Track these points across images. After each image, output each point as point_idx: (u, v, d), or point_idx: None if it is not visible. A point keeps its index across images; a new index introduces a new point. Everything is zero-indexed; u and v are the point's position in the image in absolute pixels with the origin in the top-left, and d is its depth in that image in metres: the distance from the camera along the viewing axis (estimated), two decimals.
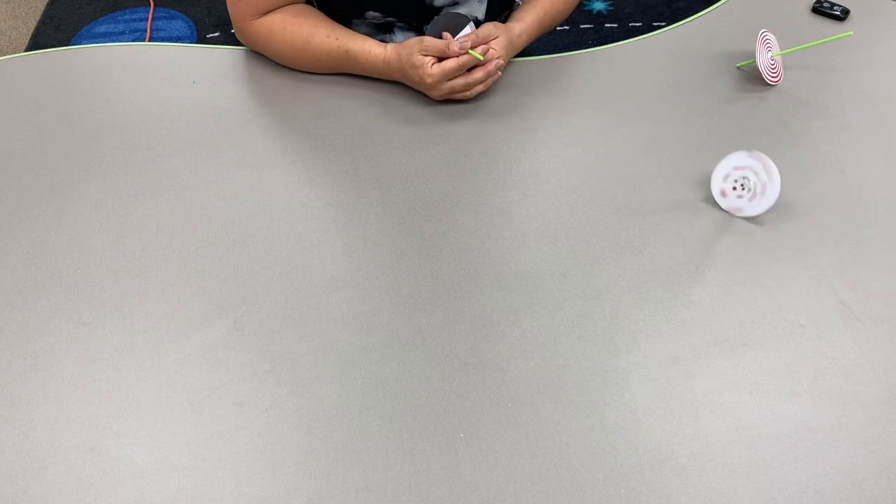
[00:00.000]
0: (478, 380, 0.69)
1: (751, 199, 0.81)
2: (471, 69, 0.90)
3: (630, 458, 0.64)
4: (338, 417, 0.66)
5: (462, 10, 0.99)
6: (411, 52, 0.89)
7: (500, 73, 0.92)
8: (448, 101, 0.95)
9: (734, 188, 0.82)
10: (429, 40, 0.88)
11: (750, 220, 0.82)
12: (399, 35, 1.02)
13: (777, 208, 0.84)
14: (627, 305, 0.75)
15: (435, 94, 0.92)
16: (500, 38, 0.92)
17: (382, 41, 0.98)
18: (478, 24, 1.01)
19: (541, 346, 0.71)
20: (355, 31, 0.99)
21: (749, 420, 0.66)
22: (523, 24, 0.97)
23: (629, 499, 0.61)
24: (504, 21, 1.08)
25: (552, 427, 0.66)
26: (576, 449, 0.64)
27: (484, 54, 0.88)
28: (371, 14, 0.97)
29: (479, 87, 0.92)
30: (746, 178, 0.81)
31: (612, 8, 2.25)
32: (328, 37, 0.93)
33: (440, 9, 0.98)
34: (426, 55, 0.88)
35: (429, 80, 0.88)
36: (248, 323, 0.72)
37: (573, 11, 1.07)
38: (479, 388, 0.68)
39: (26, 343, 0.71)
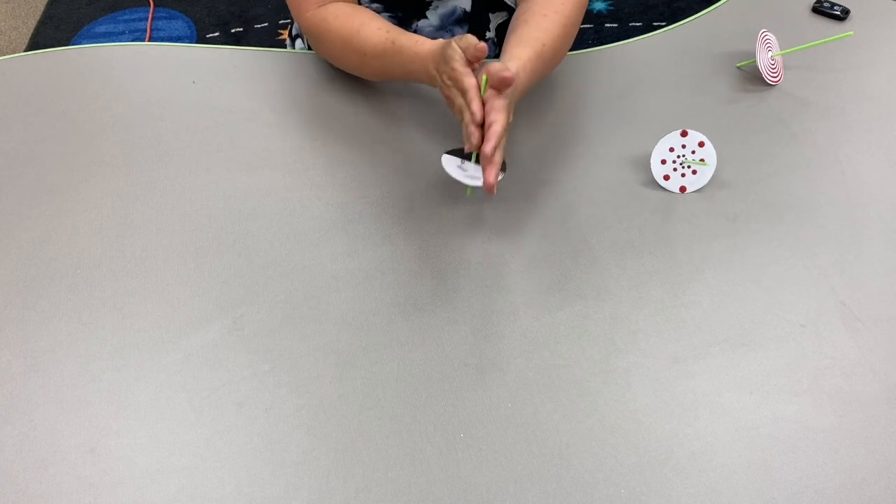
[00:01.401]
0: (478, 380, 0.69)
1: (693, 173, 0.85)
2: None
3: (630, 458, 0.64)
4: (338, 417, 0.66)
5: (450, 1, 0.99)
6: (452, 48, 0.77)
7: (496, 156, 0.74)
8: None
9: (675, 169, 0.85)
10: (470, 39, 0.76)
11: (749, 219, 0.82)
12: None
13: (777, 208, 0.84)
14: (627, 305, 0.75)
15: (444, 92, 0.80)
16: (500, 103, 0.76)
17: None
18: (466, 15, 1.01)
19: (541, 346, 0.71)
20: None
21: (749, 420, 0.66)
22: (519, 61, 0.80)
23: (629, 499, 0.61)
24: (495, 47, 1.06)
25: (552, 427, 0.66)
26: (576, 449, 0.64)
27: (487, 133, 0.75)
28: (373, 6, 0.98)
29: (474, 135, 0.75)
30: (683, 156, 0.85)
31: (612, 8, 2.25)
32: (379, 28, 0.86)
33: (428, 3, 0.98)
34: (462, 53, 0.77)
35: (452, 73, 0.76)
36: (248, 323, 0.72)
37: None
38: (479, 388, 0.68)
39: (26, 343, 0.71)
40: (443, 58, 0.77)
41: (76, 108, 0.93)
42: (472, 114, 0.74)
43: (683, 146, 0.85)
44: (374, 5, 0.99)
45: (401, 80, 0.90)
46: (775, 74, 0.98)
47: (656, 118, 0.94)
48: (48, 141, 0.89)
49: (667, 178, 0.85)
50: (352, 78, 0.98)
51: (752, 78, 1.00)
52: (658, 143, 0.85)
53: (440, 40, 0.81)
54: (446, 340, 0.71)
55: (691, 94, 0.97)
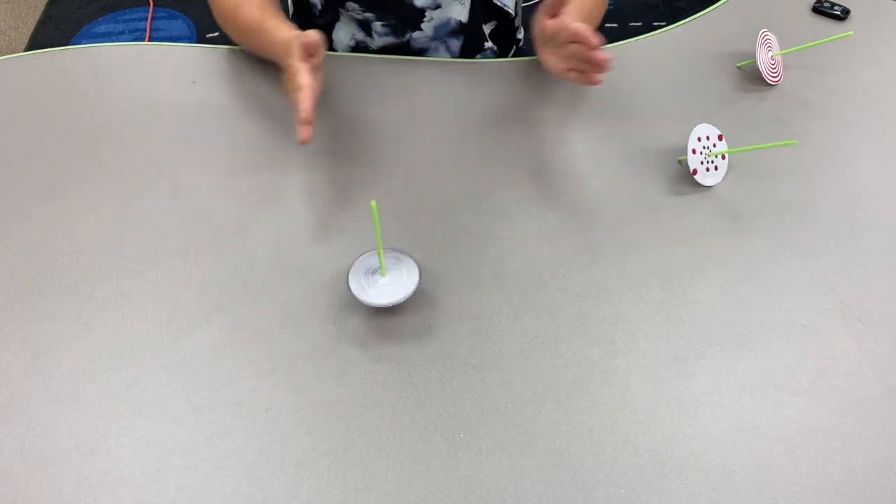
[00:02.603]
0: (478, 380, 0.69)
1: (715, 169, 0.86)
2: None
3: (630, 458, 0.64)
4: (338, 417, 0.66)
5: (444, 12, 0.99)
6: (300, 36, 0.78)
7: None
8: (449, 101, 0.94)
9: (701, 162, 0.85)
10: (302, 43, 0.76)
11: (749, 219, 0.82)
12: (378, 39, 1.02)
13: (777, 208, 0.84)
14: (627, 305, 0.75)
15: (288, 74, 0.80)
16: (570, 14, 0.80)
17: (363, 42, 1.00)
18: (462, 26, 1.01)
19: (541, 346, 0.71)
20: (341, 21, 1.00)
21: (749, 420, 0.66)
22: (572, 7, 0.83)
23: (629, 499, 0.61)
24: (503, 28, 1.07)
25: (552, 427, 0.66)
26: (576, 449, 0.64)
27: None
28: (350, 5, 0.97)
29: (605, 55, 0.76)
30: (709, 149, 0.86)
31: (612, 8, 2.25)
32: (258, 7, 0.89)
33: (422, 10, 0.98)
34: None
35: (290, 74, 0.78)
36: (248, 323, 0.72)
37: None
38: (479, 388, 0.68)
39: (26, 343, 0.71)
40: (285, 51, 0.80)
41: (76, 108, 0.93)
42: (301, 112, 0.73)
43: (707, 137, 0.85)
44: (368, 14, 0.99)
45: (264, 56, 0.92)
46: (775, 74, 0.98)
47: (656, 118, 0.94)
48: (48, 141, 0.89)
49: (695, 172, 0.85)
50: (352, 78, 0.98)
51: (752, 78, 1.00)
52: (696, 128, 0.85)
53: (295, 32, 0.80)
54: (446, 340, 0.71)
55: (691, 94, 0.97)
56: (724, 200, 0.85)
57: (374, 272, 0.74)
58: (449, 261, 0.78)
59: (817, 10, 1.10)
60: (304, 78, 0.75)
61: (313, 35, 0.75)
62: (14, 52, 1.50)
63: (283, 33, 0.84)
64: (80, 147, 0.89)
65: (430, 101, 0.95)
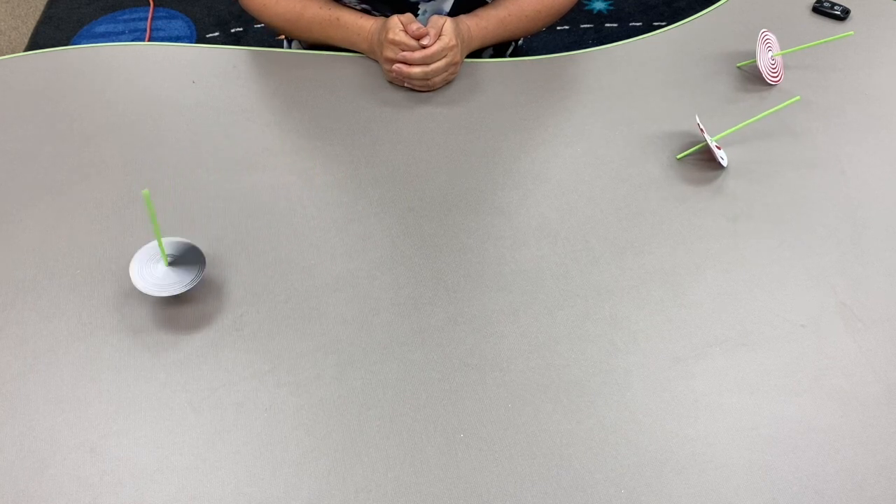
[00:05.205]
0: (478, 380, 0.69)
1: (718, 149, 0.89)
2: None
3: (630, 458, 0.64)
4: (338, 417, 0.66)
5: (437, 5, 0.99)
6: (392, 19, 0.94)
7: (451, 68, 0.95)
8: (448, 101, 0.94)
9: (717, 147, 0.87)
10: (409, 18, 0.95)
11: (749, 219, 0.82)
12: None
13: (777, 208, 0.84)
14: (627, 305, 0.75)
15: (385, 54, 0.95)
16: (448, 23, 0.94)
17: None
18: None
19: (541, 346, 0.71)
20: None
21: (749, 420, 0.66)
22: (478, 18, 0.99)
23: (629, 499, 0.61)
24: None
25: (552, 427, 0.66)
26: (576, 449, 0.64)
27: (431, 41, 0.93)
28: (361, 6, 0.98)
29: (416, 70, 0.93)
30: (703, 133, 0.88)
31: (612, 8, 2.25)
32: (321, 8, 0.99)
33: (415, 4, 0.98)
34: (401, 22, 0.94)
35: (389, 35, 0.93)
36: (248, 323, 0.72)
37: (572, 11, 1.06)
38: (479, 388, 0.68)
39: (26, 343, 0.71)
40: (384, 27, 0.94)
41: (76, 108, 0.93)
42: (409, 35, 0.92)
43: (698, 125, 0.87)
44: (364, 5, 0.99)
45: (339, 45, 1.03)
46: (775, 74, 0.98)
47: (656, 118, 0.94)
48: (48, 141, 0.89)
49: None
50: (351, 78, 0.98)
51: (752, 78, 1.00)
52: (697, 119, 0.89)
53: (381, 18, 0.97)
54: (446, 340, 0.71)
55: (691, 94, 0.97)
56: (724, 200, 0.85)
57: (157, 261, 0.73)
58: (449, 261, 0.78)
59: (817, 10, 1.10)
60: (406, 36, 0.92)
61: (412, 17, 0.95)
62: (14, 52, 1.50)
63: (369, 20, 0.98)
64: (81, 147, 0.89)
65: (430, 101, 0.95)
